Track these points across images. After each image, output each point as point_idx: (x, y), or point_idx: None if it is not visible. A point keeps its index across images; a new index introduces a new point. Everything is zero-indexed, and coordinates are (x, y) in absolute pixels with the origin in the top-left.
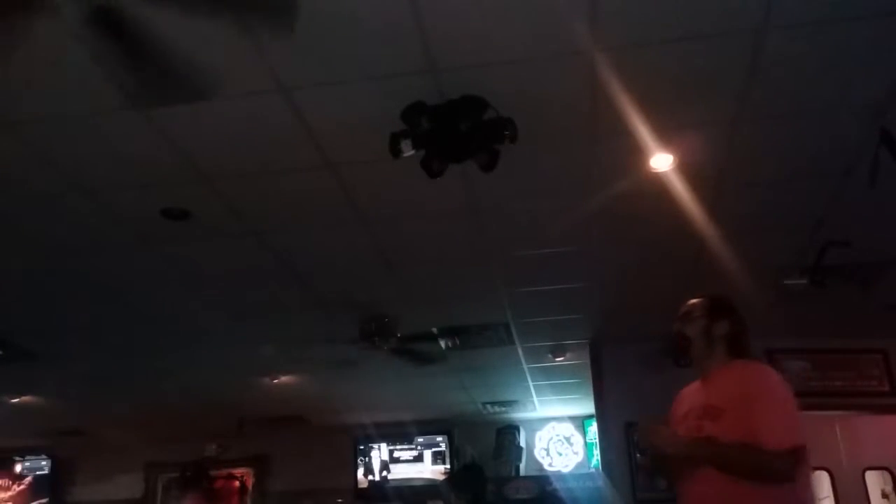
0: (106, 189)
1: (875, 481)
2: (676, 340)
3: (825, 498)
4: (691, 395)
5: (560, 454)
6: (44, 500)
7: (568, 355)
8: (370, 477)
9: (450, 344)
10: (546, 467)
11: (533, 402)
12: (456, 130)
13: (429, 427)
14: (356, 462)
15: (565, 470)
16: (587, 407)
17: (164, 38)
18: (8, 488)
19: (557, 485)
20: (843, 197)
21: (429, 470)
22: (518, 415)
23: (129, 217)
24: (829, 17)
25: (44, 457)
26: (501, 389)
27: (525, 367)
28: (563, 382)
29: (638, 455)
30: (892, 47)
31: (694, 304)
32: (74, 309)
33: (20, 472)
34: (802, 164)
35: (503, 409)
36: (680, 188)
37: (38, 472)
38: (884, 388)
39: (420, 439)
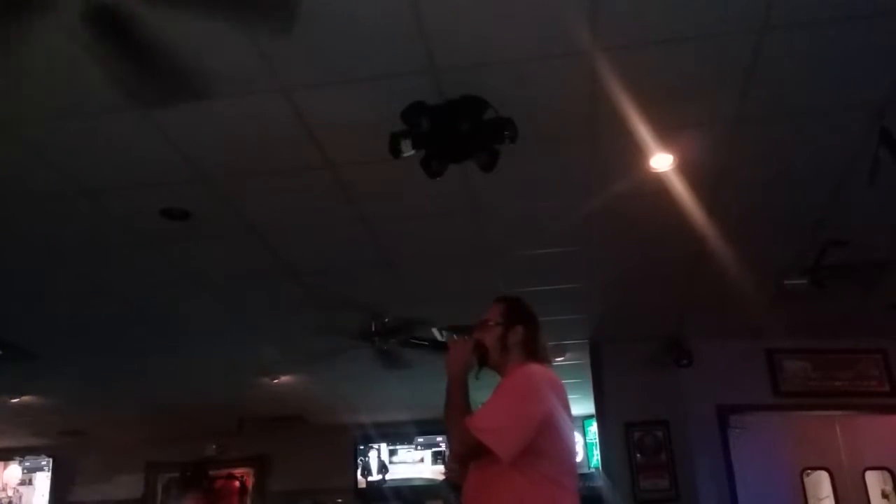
0: (106, 189)
1: (875, 481)
2: (469, 351)
3: (825, 498)
4: None
5: None
6: None
7: (568, 355)
8: (369, 477)
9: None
10: None
11: None
12: (456, 130)
13: (428, 427)
14: (355, 462)
15: None
16: (587, 407)
17: (165, 37)
18: None
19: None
20: (843, 197)
21: (428, 470)
22: None
23: (129, 217)
24: (829, 17)
25: (44, 457)
26: None
27: None
28: (563, 382)
29: None
30: (892, 47)
31: (491, 311)
32: (74, 309)
33: None
34: (802, 163)
35: None
36: (680, 188)
37: (38, 472)
38: (884, 388)
39: (420, 439)
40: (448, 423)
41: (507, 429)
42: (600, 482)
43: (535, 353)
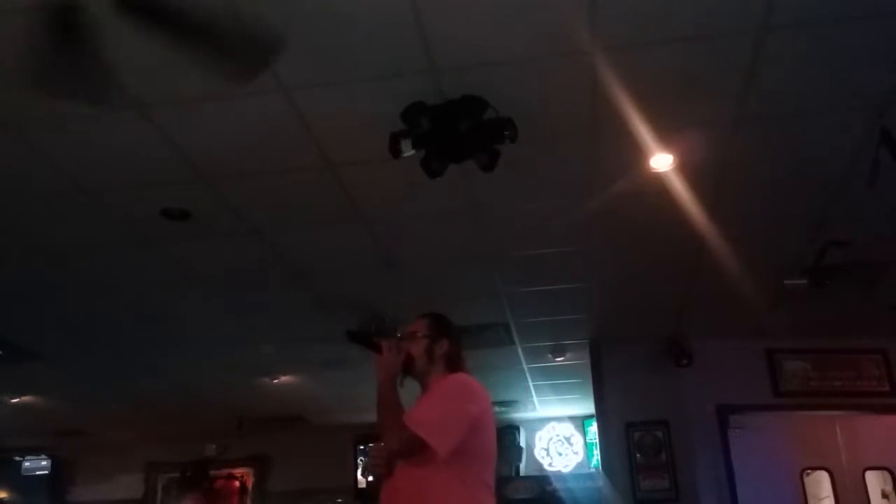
0: (106, 189)
1: (875, 481)
2: (401, 358)
3: (825, 498)
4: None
5: (560, 454)
6: None
7: (568, 355)
8: (369, 477)
9: None
10: (546, 467)
11: (533, 402)
12: (456, 130)
13: None
14: (356, 462)
15: (565, 470)
16: (587, 407)
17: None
18: None
19: (557, 485)
20: (843, 197)
21: None
22: (518, 415)
23: (129, 217)
24: (829, 17)
25: (44, 457)
26: (501, 389)
27: (525, 367)
28: (563, 382)
29: None
30: (892, 47)
31: (417, 325)
32: (74, 309)
33: None
34: (803, 163)
35: (503, 409)
36: (680, 188)
37: (38, 472)
38: (884, 388)
39: None
40: (382, 422)
41: (443, 425)
42: (600, 482)
43: (458, 364)
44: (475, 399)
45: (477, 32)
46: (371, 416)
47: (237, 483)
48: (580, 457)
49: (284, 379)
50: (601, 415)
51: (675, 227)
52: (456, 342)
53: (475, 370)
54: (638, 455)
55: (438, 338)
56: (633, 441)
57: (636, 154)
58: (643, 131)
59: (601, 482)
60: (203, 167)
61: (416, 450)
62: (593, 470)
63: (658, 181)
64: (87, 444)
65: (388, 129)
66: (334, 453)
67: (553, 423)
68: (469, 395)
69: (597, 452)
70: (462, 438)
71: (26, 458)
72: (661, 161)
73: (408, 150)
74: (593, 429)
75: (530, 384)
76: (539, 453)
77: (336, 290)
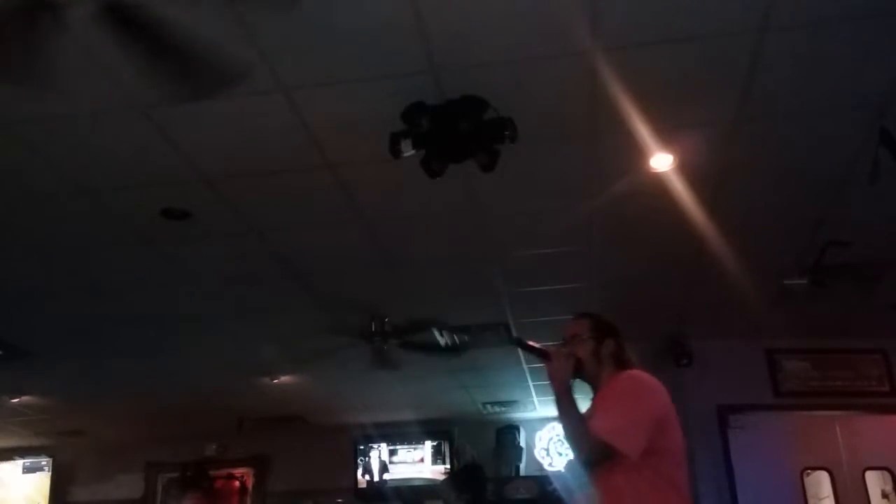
0: (106, 189)
1: (875, 481)
2: (571, 363)
3: (825, 498)
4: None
5: (560, 454)
6: None
7: None
8: (369, 477)
9: (449, 343)
10: (546, 467)
11: (533, 402)
12: (456, 130)
13: (429, 427)
14: (356, 462)
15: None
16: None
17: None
18: None
19: (557, 485)
20: (843, 197)
21: (429, 470)
22: (518, 415)
23: (129, 217)
24: (829, 17)
25: (44, 457)
26: (501, 389)
27: (525, 367)
28: None
29: None
30: (892, 47)
31: (577, 327)
32: (75, 309)
33: None
34: (802, 163)
35: (503, 409)
36: (680, 188)
37: (38, 472)
38: (884, 388)
39: (419, 439)
40: (565, 430)
41: (630, 427)
42: None
43: (627, 362)
44: (655, 395)
45: (477, 32)
46: (371, 416)
47: (237, 483)
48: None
49: (284, 379)
50: None
51: (675, 227)
52: (620, 340)
53: (474, 370)
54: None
55: (603, 338)
56: None
57: (636, 154)
58: (643, 131)
59: None
60: (203, 167)
61: (606, 457)
62: None
63: (658, 181)
64: (87, 444)
65: (388, 129)
66: (334, 453)
67: (553, 423)
68: (648, 392)
69: None
70: (649, 438)
71: (26, 458)
72: (661, 161)
73: (408, 150)
74: None
75: (530, 384)
76: (539, 453)
77: (336, 290)
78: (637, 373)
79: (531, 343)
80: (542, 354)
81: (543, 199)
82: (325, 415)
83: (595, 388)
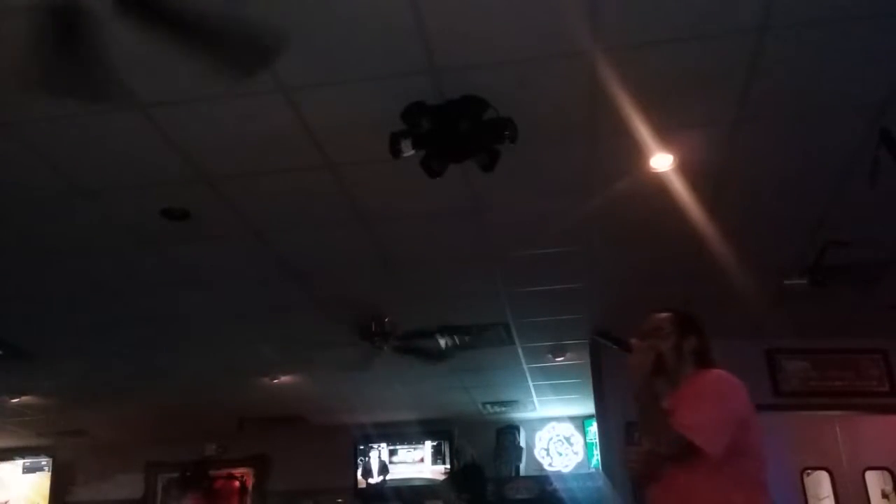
0: (106, 189)
1: (875, 481)
2: (651, 357)
3: (825, 498)
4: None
5: (560, 454)
6: None
7: (568, 355)
8: (369, 478)
9: (450, 343)
10: (546, 467)
11: (533, 402)
12: (456, 130)
13: (429, 427)
14: (356, 462)
15: (565, 470)
16: (587, 407)
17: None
18: None
19: (557, 485)
20: (843, 197)
21: (429, 470)
22: (518, 415)
23: (129, 217)
24: (829, 17)
25: (44, 457)
26: (501, 389)
27: (525, 367)
28: (563, 382)
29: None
30: (892, 47)
31: (662, 320)
32: (74, 309)
33: None
34: (802, 164)
35: (503, 409)
36: (680, 188)
37: (38, 472)
38: (884, 388)
39: (419, 439)
40: (641, 424)
41: (712, 425)
42: (600, 482)
43: (709, 360)
44: (738, 395)
45: (477, 32)
46: (371, 416)
47: (237, 483)
48: (580, 457)
49: (284, 379)
50: (601, 415)
51: (675, 227)
52: (705, 339)
53: (474, 370)
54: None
55: (686, 334)
56: (633, 441)
57: (636, 154)
58: (643, 131)
59: (601, 482)
60: (203, 167)
61: (685, 453)
62: (593, 470)
63: (658, 181)
64: (87, 444)
65: (388, 129)
66: (334, 453)
67: (553, 423)
68: (732, 391)
69: (597, 452)
70: (732, 437)
71: (26, 458)
72: (661, 161)
73: (408, 150)
74: (593, 429)
75: (530, 384)
76: (539, 453)
77: (336, 290)
78: (723, 372)
79: (615, 335)
80: (623, 346)
81: (543, 199)
82: (325, 415)
83: (674, 385)
